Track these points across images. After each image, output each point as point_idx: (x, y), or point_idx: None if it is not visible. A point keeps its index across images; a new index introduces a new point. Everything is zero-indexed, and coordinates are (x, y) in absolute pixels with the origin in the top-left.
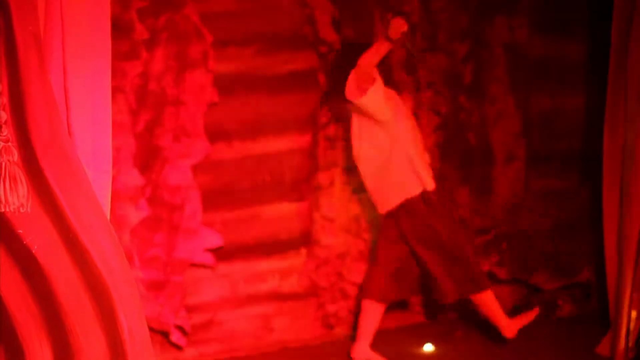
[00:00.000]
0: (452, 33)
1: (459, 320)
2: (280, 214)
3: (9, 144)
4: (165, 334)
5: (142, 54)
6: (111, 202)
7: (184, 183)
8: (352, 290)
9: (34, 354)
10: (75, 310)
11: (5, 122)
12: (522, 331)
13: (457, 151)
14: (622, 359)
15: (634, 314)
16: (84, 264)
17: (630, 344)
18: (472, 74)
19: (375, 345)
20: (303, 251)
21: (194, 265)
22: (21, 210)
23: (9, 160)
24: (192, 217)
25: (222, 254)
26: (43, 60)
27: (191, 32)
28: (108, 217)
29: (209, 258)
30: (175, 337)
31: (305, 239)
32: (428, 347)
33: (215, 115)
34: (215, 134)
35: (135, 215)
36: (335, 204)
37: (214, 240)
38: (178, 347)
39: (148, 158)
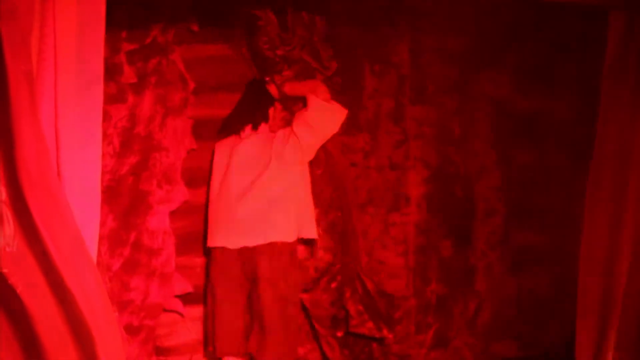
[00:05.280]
0: (441, 86)
1: None
2: None
3: None
4: None
5: (129, 98)
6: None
7: (162, 228)
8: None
9: None
10: (58, 353)
11: None
12: None
13: (443, 204)
14: None
15: None
16: (68, 307)
17: None
18: (460, 127)
19: None
20: None
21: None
22: (7, 249)
23: None
24: (167, 262)
25: (194, 297)
26: (34, 99)
27: (176, 78)
28: (94, 259)
29: (179, 304)
30: None
31: None
32: None
33: (194, 161)
34: (193, 180)
35: (117, 258)
36: None
37: (184, 286)
38: None
39: (133, 202)
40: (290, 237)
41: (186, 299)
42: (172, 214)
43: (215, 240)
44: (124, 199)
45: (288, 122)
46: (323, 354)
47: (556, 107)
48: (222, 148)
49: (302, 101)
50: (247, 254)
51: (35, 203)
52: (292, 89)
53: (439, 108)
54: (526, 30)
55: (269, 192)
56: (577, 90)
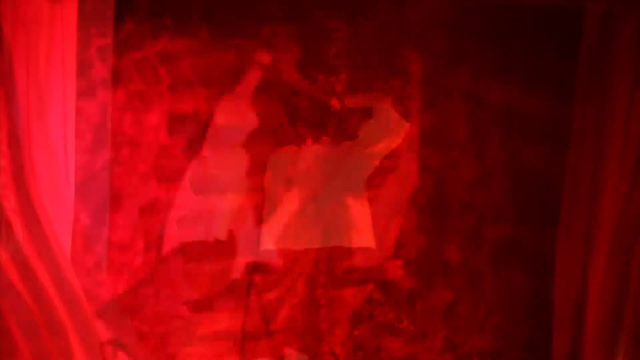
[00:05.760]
0: (447, 90)
1: None
2: None
3: (6, 190)
4: None
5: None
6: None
7: (168, 232)
8: None
9: None
10: None
11: (3, 168)
12: None
13: (448, 207)
14: None
15: None
16: (77, 315)
17: None
18: (466, 130)
19: None
20: None
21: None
22: (16, 256)
23: (5, 206)
24: (173, 268)
25: (200, 304)
26: (43, 106)
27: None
28: (104, 265)
29: (185, 311)
30: None
31: None
32: None
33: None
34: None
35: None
36: None
37: (190, 293)
38: None
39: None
40: (346, 243)
41: (193, 305)
42: (180, 221)
43: (268, 243)
44: (133, 204)
45: (350, 133)
46: (334, 355)
47: (566, 110)
48: (279, 156)
49: (363, 112)
50: (304, 257)
51: (44, 210)
52: (355, 100)
53: (444, 111)
54: (533, 34)
55: (330, 200)
56: (588, 92)
